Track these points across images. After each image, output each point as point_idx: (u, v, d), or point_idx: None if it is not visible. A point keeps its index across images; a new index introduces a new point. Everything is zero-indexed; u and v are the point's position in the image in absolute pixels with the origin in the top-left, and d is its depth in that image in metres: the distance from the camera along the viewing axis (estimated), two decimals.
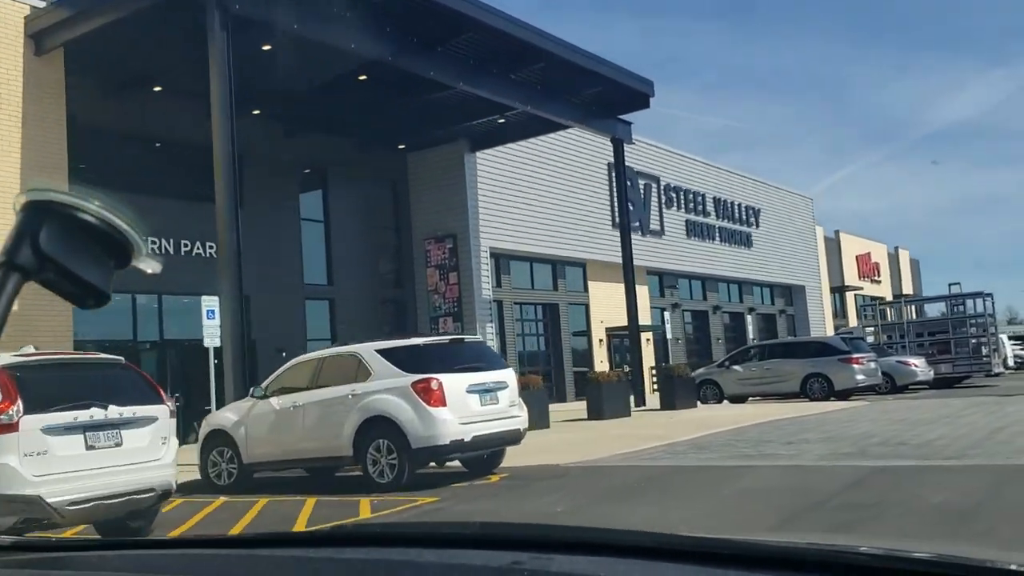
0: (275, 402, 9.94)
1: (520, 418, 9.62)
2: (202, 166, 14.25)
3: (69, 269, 0.95)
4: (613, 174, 31.26)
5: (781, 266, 43.23)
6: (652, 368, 32.92)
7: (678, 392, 19.76)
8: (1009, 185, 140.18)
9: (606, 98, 22.22)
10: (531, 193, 27.07)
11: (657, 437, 12.79)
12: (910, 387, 24.05)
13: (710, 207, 37.70)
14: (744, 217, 40.31)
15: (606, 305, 31.37)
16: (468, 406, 8.92)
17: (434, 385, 8.70)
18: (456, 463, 9.79)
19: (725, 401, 22.51)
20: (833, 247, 51.75)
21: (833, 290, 49.93)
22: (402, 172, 25.53)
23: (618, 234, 31.69)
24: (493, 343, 24.84)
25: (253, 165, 21.19)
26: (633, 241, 32.91)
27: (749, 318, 31.12)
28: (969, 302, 25.74)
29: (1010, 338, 44.37)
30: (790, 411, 17.44)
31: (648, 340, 33.71)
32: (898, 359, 23.72)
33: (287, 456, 9.81)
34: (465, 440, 8.77)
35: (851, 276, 53.08)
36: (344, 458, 9.26)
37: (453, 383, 8.88)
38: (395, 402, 8.74)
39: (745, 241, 40.16)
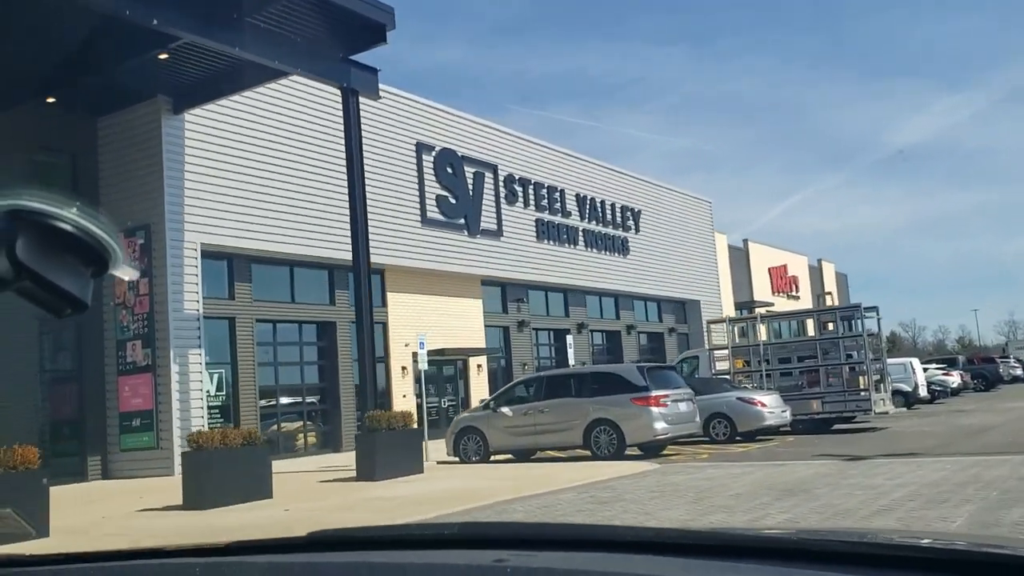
0: None
1: None
2: None
3: (46, 278, 0.92)
4: (422, 156, 24.99)
5: (670, 277, 37.08)
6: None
7: (383, 452, 13.22)
8: (961, 206, 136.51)
9: (324, 30, 15.81)
10: (289, 176, 20.53)
11: None
12: (763, 433, 17.76)
13: (571, 205, 31.41)
14: (619, 219, 34.09)
15: (414, 323, 24.88)
16: None
17: None
18: None
19: (513, 458, 16.04)
20: (740, 258, 45.87)
21: (739, 306, 43.88)
22: (89, 142, 18.84)
23: (433, 233, 25.38)
24: (202, 375, 18.19)
25: None
26: (460, 243, 26.60)
27: (569, 339, 24.66)
28: (847, 319, 19.52)
29: (929, 362, 38.70)
30: (501, 490, 10.97)
31: (479, 367, 27.29)
32: (739, 396, 17.37)
33: None
34: None
35: (763, 290, 47.24)
36: None
37: None
38: None
39: (620, 248, 33.94)
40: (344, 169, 21.71)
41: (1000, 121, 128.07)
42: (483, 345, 27.16)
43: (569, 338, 23.94)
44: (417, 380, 21.17)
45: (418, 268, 24.61)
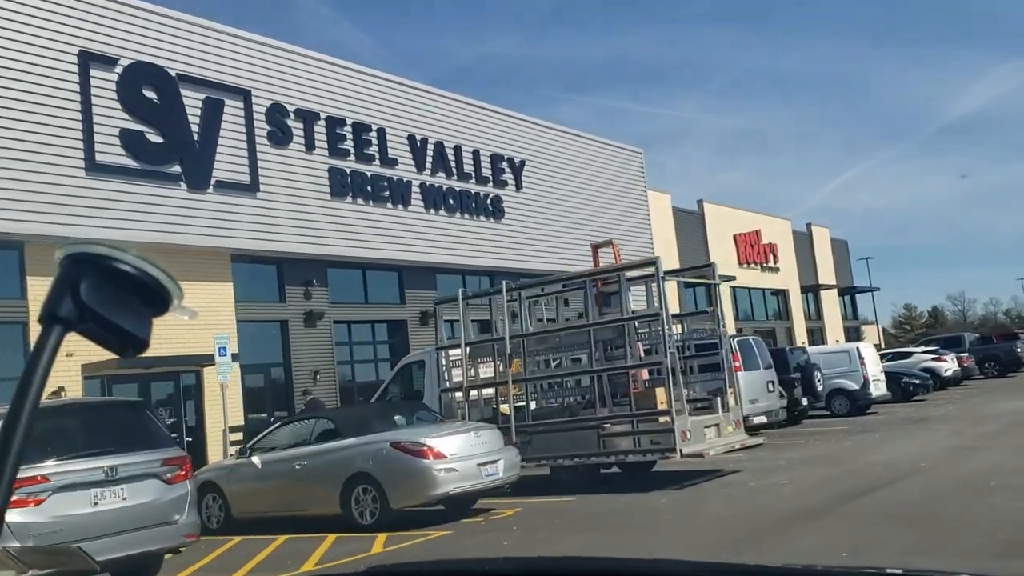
0: None
1: None
2: None
3: (109, 319, 0.94)
4: (91, 71, 16.85)
5: (574, 248, 28.46)
6: (229, 431, 18.11)
7: None
8: (1019, 175, 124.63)
9: None
10: None
11: None
12: (488, 503, 9.30)
13: (399, 151, 23.00)
14: (486, 173, 25.62)
15: None
16: None
17: None
18: None
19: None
20: (693, 223, 37.05)
21: (689, 284, 35.03)
22: None
23: (113, 186, 17.07)
24: None
25: None
26: (174, 201, 18.09)
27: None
28: (641, 293, 10.88)
29: (921, 345, 29.56)
30: None
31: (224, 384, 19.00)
32: (395, 440, 8.87)
33: None
34: None
35: (727, 263, 38.26)
36: None
37: None
38: None
39: (489, 210, 25.49)
40: None
41: None
42: (237, 348, 18.93)
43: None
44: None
45: (89, 239, 16.47)
